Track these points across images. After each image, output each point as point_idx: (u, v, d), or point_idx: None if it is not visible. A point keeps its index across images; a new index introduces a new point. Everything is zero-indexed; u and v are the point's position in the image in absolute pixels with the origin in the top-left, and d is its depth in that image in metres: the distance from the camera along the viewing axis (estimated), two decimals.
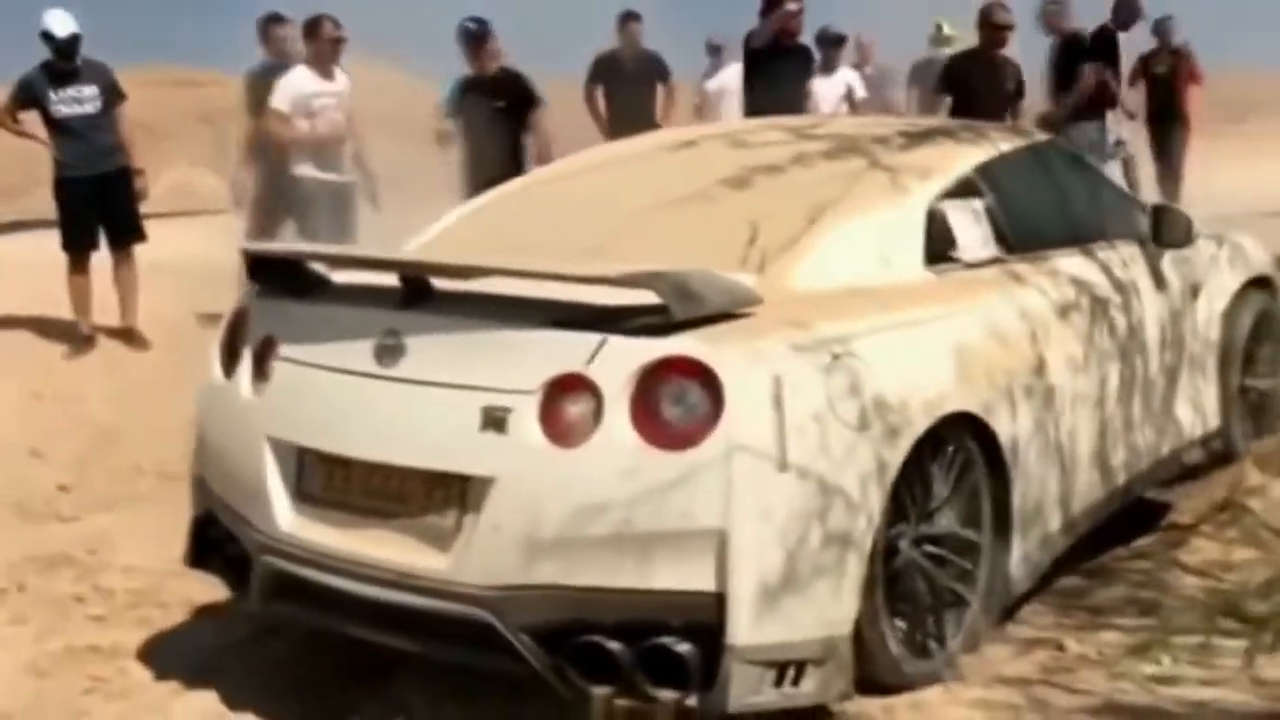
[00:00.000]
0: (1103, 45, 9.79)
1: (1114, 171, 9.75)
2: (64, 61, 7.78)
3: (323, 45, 7.99)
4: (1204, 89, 11.08)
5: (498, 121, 8.14)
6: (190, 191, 8.55)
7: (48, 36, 7.75)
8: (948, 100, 8.58)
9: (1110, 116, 9.76)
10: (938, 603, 3.55)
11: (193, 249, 8.44)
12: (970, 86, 8.48)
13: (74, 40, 7.77)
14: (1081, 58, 9.45)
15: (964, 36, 9.86)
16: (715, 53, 10.65)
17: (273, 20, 8.72)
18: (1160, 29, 11.07)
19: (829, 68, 9.99)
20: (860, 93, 10.32)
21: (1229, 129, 12.88)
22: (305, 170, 7.90)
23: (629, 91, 9.51)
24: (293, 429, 3.49)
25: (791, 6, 8.14)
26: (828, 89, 9.80)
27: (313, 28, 8.03)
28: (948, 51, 10.10)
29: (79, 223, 7.84)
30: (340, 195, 7.98)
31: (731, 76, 10.41)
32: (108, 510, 5.69)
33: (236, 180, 8.73)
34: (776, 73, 8.17)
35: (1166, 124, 10.92)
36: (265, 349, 3.63)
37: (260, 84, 8.31)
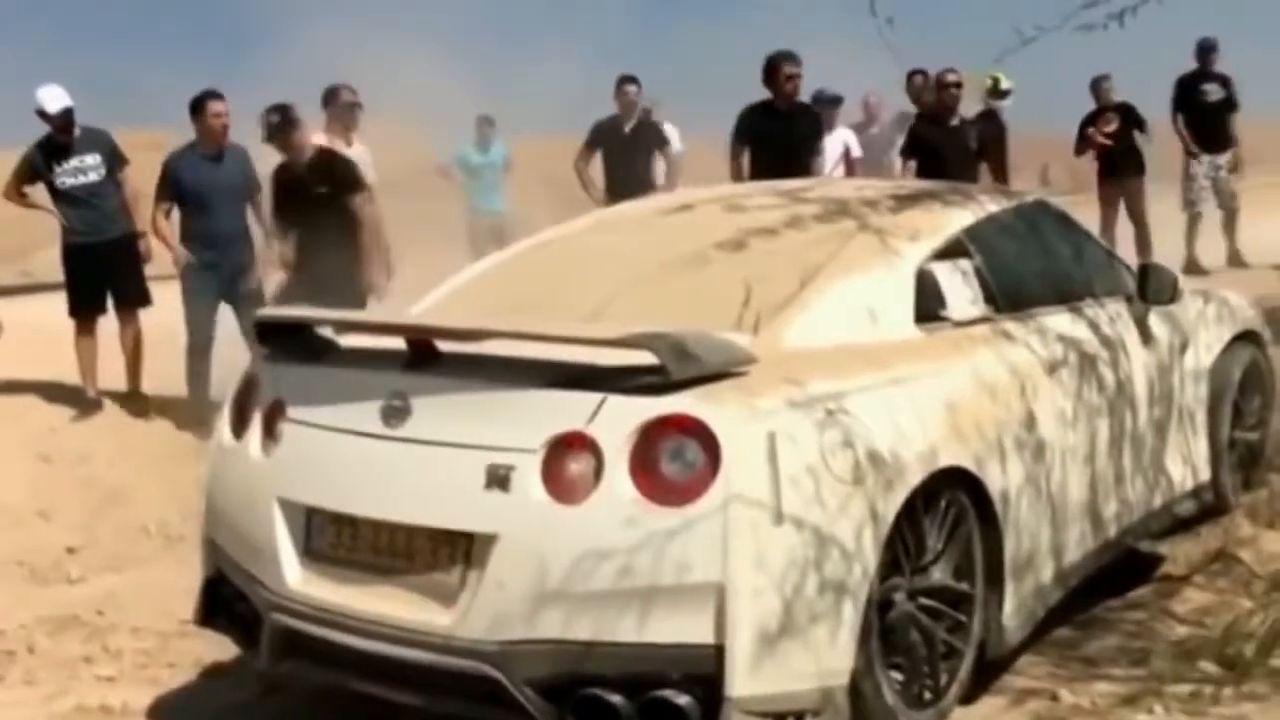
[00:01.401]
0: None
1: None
2: (62, 135, 7.91)
3: (340, 112, 8.10)
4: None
5: (319, 210, 7.41)
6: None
7: (42, 114, 7.89)
8: (913, 164, 8.92)
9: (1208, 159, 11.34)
10: (932, 654, 3.62)
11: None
12: (934, 149, 8.76)
13: (67, 114, 7.86)
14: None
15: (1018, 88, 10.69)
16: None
17: (205, 97, 7.91)
18: (1096, 88, 11.35)
19: (827, 127, 10.16)
20: (856, 151, 10.48)
21: None
22: None
23: (626, 159, 9.51)
24: (302, 489, 3.58)
25: (788, 69, 8.30)
26: (826, 147, 9.96)
27: (330, 96, 8.13)
28: (1007, 104, 10.61)
29: (86, 288, 7.95)
30: None
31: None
32: (115, 571, 5.75)
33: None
34: (783, 133, 8.29)
35: (1126, 177, 11.17)
36: (274, 411, 3.72)
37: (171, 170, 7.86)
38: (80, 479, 7.00)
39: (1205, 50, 11.36)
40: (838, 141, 10.34)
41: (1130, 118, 11.29)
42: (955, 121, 9.27)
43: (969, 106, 9.84)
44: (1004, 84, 10.68)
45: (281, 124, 7.55)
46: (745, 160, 8.51)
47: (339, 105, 8.13)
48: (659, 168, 9.76)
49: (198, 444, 6.59)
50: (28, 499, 6.72)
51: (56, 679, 4.53)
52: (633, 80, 9.72)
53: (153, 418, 7.86)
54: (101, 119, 8.22)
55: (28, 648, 4.82)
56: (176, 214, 7.96)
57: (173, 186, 7.89)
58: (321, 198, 7.43)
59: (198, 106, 7.84)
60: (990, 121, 10.41)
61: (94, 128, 8.08)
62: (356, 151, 8.18)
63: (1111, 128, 11.20)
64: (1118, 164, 11.25)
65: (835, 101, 10.54)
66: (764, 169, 8.04)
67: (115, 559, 5.92)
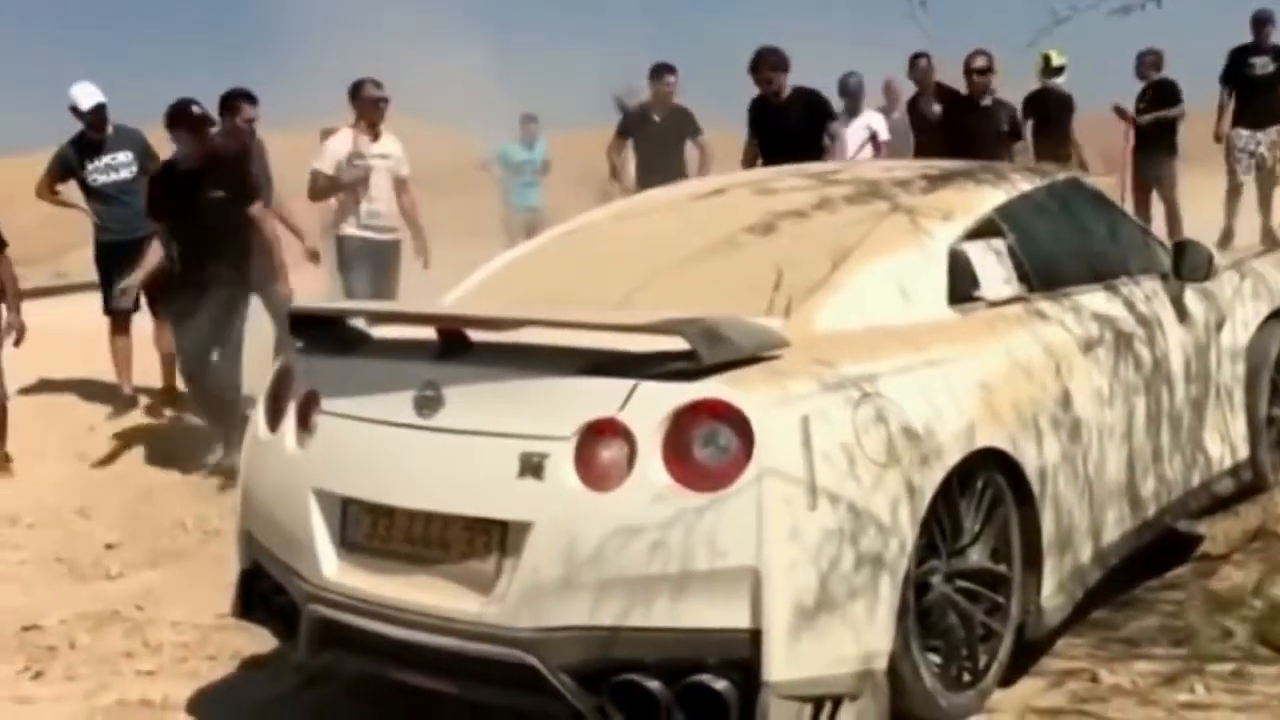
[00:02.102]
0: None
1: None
2: (94, 132, 7.95)
3: (365, 106, 8.10)
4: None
5: (216, 216, 6.94)
6: None
7: (75, 110, 7.93)
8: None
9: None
10: (971, 636, 3.60)
11: None
12: (965, 132, 8.74)
13: (100, 110, 7.92)
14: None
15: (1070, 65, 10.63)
16: (622, 109, 10.67)
17: (239, 97, 7.77)
18: (1140, 63, 11.21)
19: (852, 113, 10.14)
20: (884, 135, 10.42)
21: None
22: (348, 229, 8.04)
23: (658, 147, 9.38)
24: (337, 480, 3.58)
25: (764, 73, 8.18)
26: (850, 133, 9.92)
27: (355, 90, 8.15)
28: (1060, 81, 10.57)
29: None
30: (383, 252, 8.07)
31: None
32: (154, 567, 5.80)
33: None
34: (779, 123, 8.22)
35: (1157, 156, 11.04)
36: (308, 404, 3.73)
37: None
38: (117, 476, 7.06)
39: (1260, 22, 11.12)
40: (862, 126, 10.28)
41: (1166, 95, 11.13)
42: (987, 102, 9.23)
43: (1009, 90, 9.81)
44: (1055, 60, 10.59)
45: (188, 120, 7.10)
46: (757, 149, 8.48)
47: (364, 99, 8.12)
48: (691, 156, 9.70)
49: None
50: (67, 497, 6.80)
51: (98, 674, 4.56)
52: (671, 69, 9.59)
53: (187, 414, 7.91)
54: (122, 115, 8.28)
55: (69, 643, 4.86)
56: None
57: None
58: (217, 204, 6.98)
59: (228, 104, 7.74)
60: (1046, 100, 10.38)
61: (126, 125, 8.12)
62: (386, 144, 8.17)
63: (1143, 105, 11.10)
64: (1148, 143, 11.13)
65: (857, 94, 10.46)
66: (769, 157, 8.03)
67: (153, 554, 5.96)
